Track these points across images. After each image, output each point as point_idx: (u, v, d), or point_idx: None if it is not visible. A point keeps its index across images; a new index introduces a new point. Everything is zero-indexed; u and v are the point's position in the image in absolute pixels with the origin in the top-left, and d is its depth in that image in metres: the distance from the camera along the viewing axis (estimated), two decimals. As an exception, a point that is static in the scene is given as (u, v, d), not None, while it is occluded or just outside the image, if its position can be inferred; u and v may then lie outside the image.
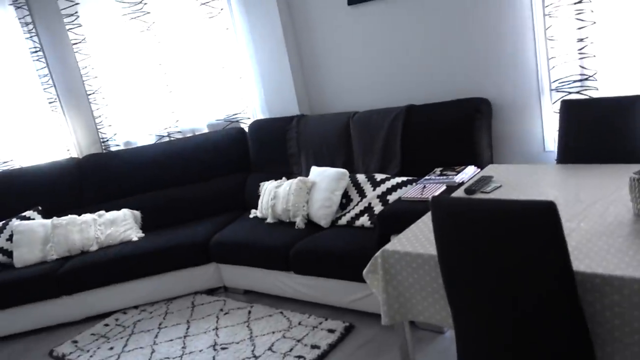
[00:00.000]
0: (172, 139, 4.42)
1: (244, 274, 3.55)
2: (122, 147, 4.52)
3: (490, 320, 1.56)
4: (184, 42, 4.28)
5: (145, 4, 4.21)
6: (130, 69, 4.37)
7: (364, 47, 3.72)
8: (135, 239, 3.82)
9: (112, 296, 3.65)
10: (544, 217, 1.33)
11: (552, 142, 3.15)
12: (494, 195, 2.21)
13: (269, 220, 3.61)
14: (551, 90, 3.07)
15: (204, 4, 4.12)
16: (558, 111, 2.59)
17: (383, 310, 1.94)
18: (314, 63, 4.01)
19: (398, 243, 1.94)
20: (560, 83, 3.02)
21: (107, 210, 4.01)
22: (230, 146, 4.23)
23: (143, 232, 3.94)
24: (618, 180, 2.08)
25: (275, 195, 3.58)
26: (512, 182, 2.33)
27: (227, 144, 4.24)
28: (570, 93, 2.99)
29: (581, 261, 1.53)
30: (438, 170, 3.09)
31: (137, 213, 4.04)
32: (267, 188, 3.70)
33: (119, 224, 3.87)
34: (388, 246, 1.93)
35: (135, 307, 3.71)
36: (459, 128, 3.18)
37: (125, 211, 3.97)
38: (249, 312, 3.34)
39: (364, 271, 2.01)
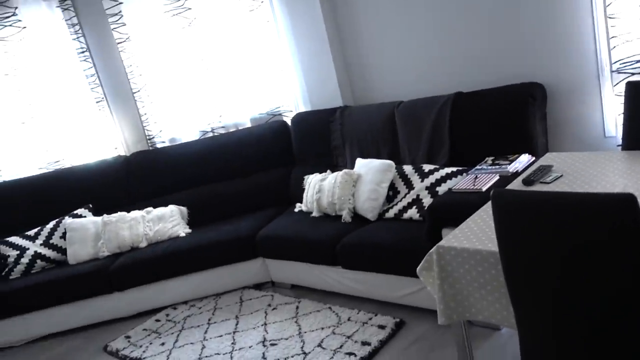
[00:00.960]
0: (215, 134, 4.43)
1: (291, 269, 3.52)
2: (167, 144, 4.56)
3: (558, 321, 1.45)
4: (225, 37, 4.27)
5: (187, 0, 4.22)
6: (174, 65, 4.40)
7: (408, 33, 3.60)
8: (183, 234, 3.85)
9: (162, 292, 3.69)
10: (622, 211, 1.21)
11: (613, 127, 2.97)
12: (555, 186, 2.08)
13: (315, 214, 3.56)
14: (612, 71, 2.88)
15: (244, -3, 4.09)
16: (622, 94, 2.43)
17: (439, 309, 1.86)
18: (357, 53, 3.92)
19: (454, 239, 1.85)
20: (622, 64, 2.83)
21: (154, 207, 4.06)
22: (274, 140, 4.20)
23: (190, 228, 3.97)
24: (694, 167, 1.92)
25: (320, 189, 3.53)
26: (574, 171, 2.19)
27: (270, 138, 4.21)
28: (633, 74, 2.80)
29: (661, 258, 1.40)
30: (490, 160, 2.96)
31: (184, 209, 4.07)
32: (312, 181, 3.65)
33: (167, 220, 3.91)
34: (443, 242, 1.84)
35: (185, 302, 3.74)
36: (511, 115, 3.03)
37: (172, 207, 4.00)
38: (297, 307, 3.31)
39: (418, 268, 1.93)
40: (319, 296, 3.41)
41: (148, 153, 4.34)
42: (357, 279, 3.15)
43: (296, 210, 3.78)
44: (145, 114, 4.54)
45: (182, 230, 3.89)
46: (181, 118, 4.50)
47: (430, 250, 1.87)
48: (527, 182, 2.17)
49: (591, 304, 1.38)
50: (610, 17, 2.79)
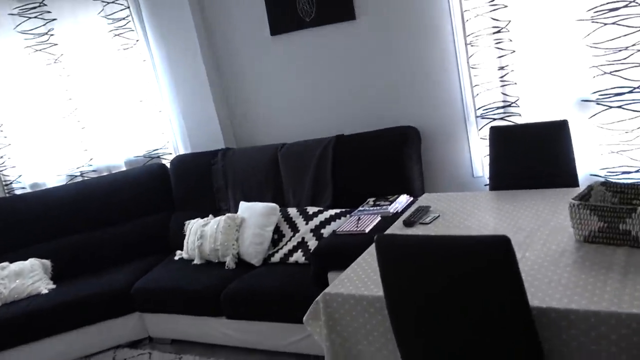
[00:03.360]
0: (85, 178, 4.09)
1: (171, 322, 3.27)
2: (28, 190, 4.11)
3: (444, 364, 1.46)
4: (96, 75, 4.00)
5: (52, 35, 3.91)
6: (36, 104, 4.01)
7: (290, 77, 3.64)
8: (45, 291, 3.43)
9: (19, 359, 3.23)
10: (499, 252, 1.25)
11: (480, 167, 3.18)
12: (434, 226, 2.14)
13: (196, 261, 3.37)
14: (476, 117, 3.11)
15: (117, 34, 3.88)
16: (487, 137, 2.61)
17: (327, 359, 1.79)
18: (239, 95, 3.87)
19: (340, 284, 1.81)
20: (484, 110, 3.07)
21: (11, 261, 3.59)
22: (151, 184, 3.96)
23: (54, 283, 3.55)
24: (554, 206, 2.08)
25: (202, 235, 3.36)
26: (449, 211, 2.28)
27: (147, 182, 3.96)
28: (494, 119, 3.04)
29: (534, 295, 1.47)
30: (371, 201, 3.01)
31: (47, 262, 3.65)
32: (193, 227, 3.47)
33: (26, 276, 3.47)
34: (330, 289, 1.79)
35: (47, 369, 3.31)
36: (389, 156, 3.14)
37: (32, 261, 3.57)
38: (178, 364, 3.06)
39: (305, 318, 1.86)
40: (202, 350, 3.19)
41: (4, 200, 3.86)
42: (243, 329, 3.00)
43: (176, 258, 3.56)
44: (1, 156, 4.07)
45: (44, 286, 3.47)
46: (45, 161, 4.09)
47: (317, 299, 1.81)
48: (408, 223, 2.22)
49: (475, 345, 1.40)
50: (472, 67, 3.03)
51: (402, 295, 1.45)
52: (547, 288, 1.49)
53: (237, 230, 3.27)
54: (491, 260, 1.26)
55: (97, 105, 4.04)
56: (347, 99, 3.48)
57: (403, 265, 1.39)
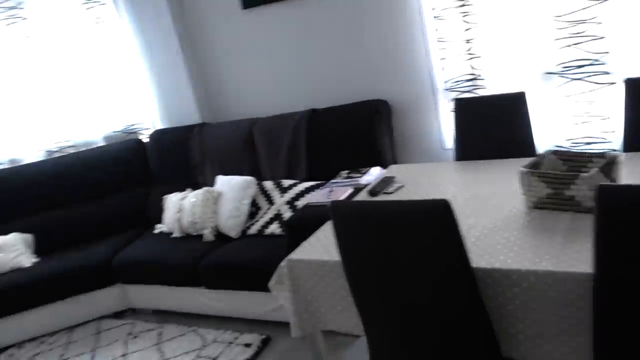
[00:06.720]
0: (64, 153, 4.11)
1: (153, 293, 3.36)
2: (6, 166, 4.13)
3: (398, 322, 1.56)
4: (70, 50, 3.99)
5: (22, 8, 3.87)
6: (12, 79, 4.01)
7: (262, 51, 3.66)
8: (27, 265, 3.50)
9: (4, 330, 3.32)
10: (439, 215, 1.34)
11: (449, 139, 3.26)
12: (396, 196, 2.23)
13: (176, 234, 3.45)
14: (444, 89, 3.18)
15: (89, 8, 3.86)
16: (453, 110, 2.68)
17: (292, 322, 1.89)
18: (212, 69, 3.90)
19: (303, 251, 1.90)
20: (452, 83, 3.13)
21: (-7, 237, 3.65)
22: (129, 159, 4.01)
23: (37, 257, 3.62)
24: (511, 174, 2.17)
25: (180, 208, 3.43)
26: (413, 181, 2.37)
27: (125, 157, 4.01)
28: (462, 92, 3.11)
29: (481, 257, 1.57)
30: (344, 173, 3.09)
31: (29, 236, 3.71)
32: (172, 201, 3.53)
33: (8, 250, 3.53)
34: (293, 255, 1.88)
35: (33, 339, 3.40)
36: (360, 130, 3.21)
37: (14, 235, 3.63)
38: (160, 333, 3.16)
39: (270, 283, 1.95)
40: (184, 319, 3.30)
41: (-18, 177, 3.90)
42: (222, 298, 3.10)
43: (156, 231, 3.63)
44: (-22, 134, 4.08)
45: (27, 260, 3.54)
46: (23, 137, 4.11)
47: (281, 264, 1.90)
48: (372, 192, 2.30)
49: (424, 305, 1.50)
50: (439, 41, 3.08)
51: (355, 259, 1.54)
52: (493, 250, 1.59)
53: (214, 204, 3.34)
54: (432, 223, 1.35)
55: (74, 81, 4.05)
56: (319, 73, 3.53)
57: (352, 230, 1.48)
